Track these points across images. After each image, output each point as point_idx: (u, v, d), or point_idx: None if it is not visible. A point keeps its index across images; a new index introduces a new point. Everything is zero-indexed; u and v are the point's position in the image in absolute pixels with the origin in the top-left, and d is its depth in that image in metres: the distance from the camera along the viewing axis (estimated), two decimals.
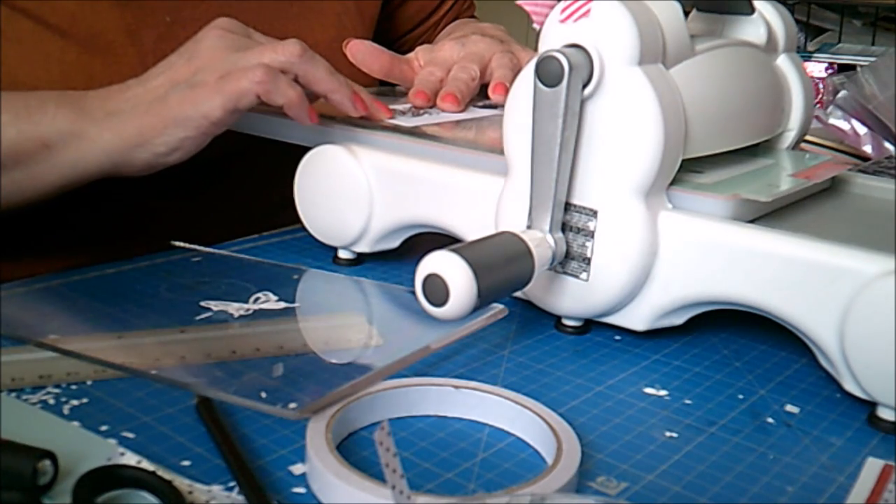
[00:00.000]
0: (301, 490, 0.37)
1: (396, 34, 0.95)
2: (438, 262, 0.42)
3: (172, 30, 0.68)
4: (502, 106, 0.53)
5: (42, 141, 0.56)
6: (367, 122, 0.63)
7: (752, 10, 0.61)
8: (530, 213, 0.50)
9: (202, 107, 0.55)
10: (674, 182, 0.51)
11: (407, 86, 0.73)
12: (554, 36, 0.49)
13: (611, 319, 0.52)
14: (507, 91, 0.55)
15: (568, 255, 0.51)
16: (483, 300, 0.43)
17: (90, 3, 0.65)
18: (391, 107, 0.69)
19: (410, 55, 0.76)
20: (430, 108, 0.70)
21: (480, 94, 0.74)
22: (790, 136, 0.64)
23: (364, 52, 0.71)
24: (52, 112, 0.56)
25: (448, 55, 0.75)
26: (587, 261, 0.50)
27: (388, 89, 0.79)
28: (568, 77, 0.47)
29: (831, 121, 1.10)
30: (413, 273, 0.43)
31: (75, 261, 0.64)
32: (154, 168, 0.58)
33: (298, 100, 0.57)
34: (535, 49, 0.52)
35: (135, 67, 0.62)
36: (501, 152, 0.53)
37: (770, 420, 0.46)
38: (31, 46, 0.64)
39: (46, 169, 0.57)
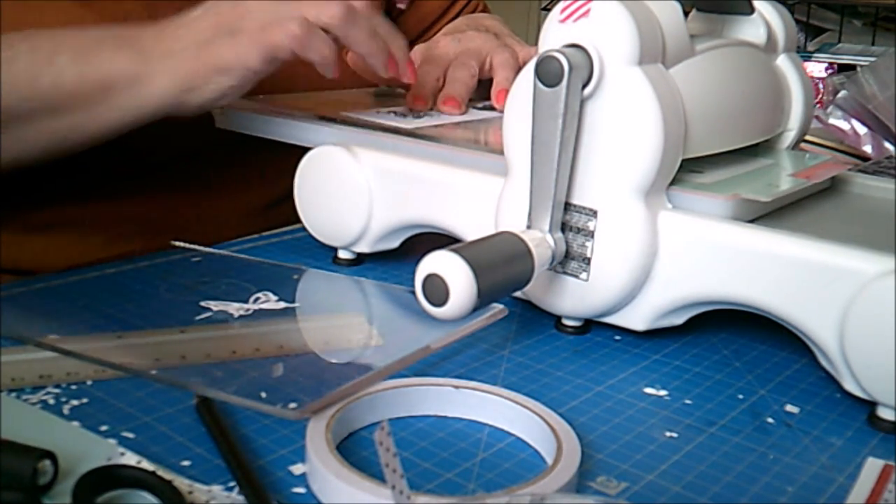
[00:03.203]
0: (301, 490, 0.37)
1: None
2: (438, 262, 0.42)
3: (190, 2, 0.69)
4: (502, 111, 0.53)
5: (102, 83, 0.57)
6: (366, 123, 0.63)
7: (751, 10, 0.61)
8: (530, 213, 0.50)
9: (243, 57, 0.56)
10: (674, 182, 0.51)
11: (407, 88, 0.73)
12: (554, 36, 0.49)
13: (611, 319, 0.52)
14: None
15: (568, 255, 0.51)
16: (483, 300, 0.43)
17: None
18: (391, 108, 0.69)
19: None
20: (430, 110, 0.70)
21: (479, 92, 0.74)
22: (790, 136, 0.64)
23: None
24: (111, 53, 0.57)
25: (444, 52, 0.75)
26: (587, 261, 0.50)
27: (387, 90, 0.79)
28: (568, 77, 0.47)
29: (831, 121, 1.10)
30: (413, 273, 0.43)
31: (78, 259, 0.64)
32: (208, 108, 0.59)
33: (331, 58, 0.57)
34: (535, 43, 0.52)
35: None
36: (501, 152, 0.53)
37: (770, 420, 0.46)
38: (50, 13, 0.64)
39: (107, 110, 0.58)
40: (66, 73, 0.56)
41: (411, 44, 0.93)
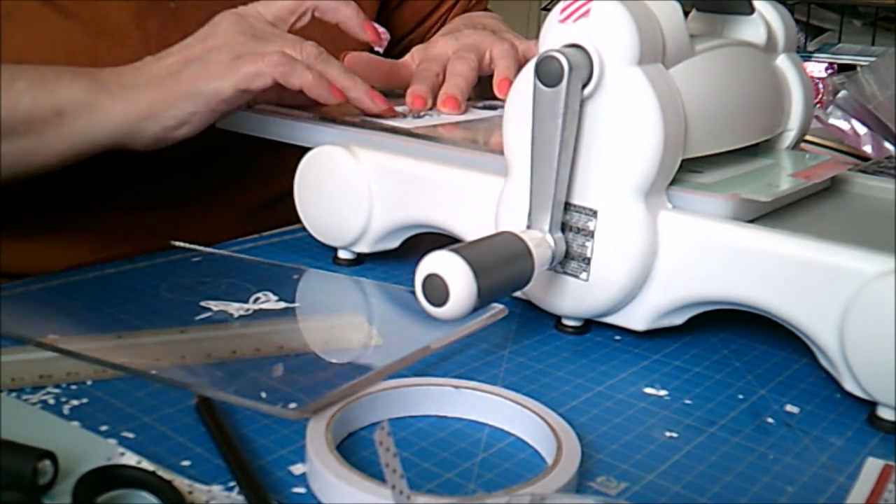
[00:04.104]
0: (301, 490, 0.37)
1: (394, 37, 0.94)
2: (438, 262, 0.42)
3: (177, 16, 0.69)
4: (502, 107, 0.53)
5: (56, 109, 0.57)
6: (367, 123, 0.63)
7: (751, 10, 0.61)
8: (530, 213, 0.50)
9: (214, 83, 0.56)
10: (674, 182, 0.51)
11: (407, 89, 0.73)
12: (554, 36, 0.49)
13: (611, 319, 0.52)
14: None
15: (568, 255, 0.51)
16: (483, 300, 0.43)
17: None
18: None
19: (406, 57, 0.76)
20: (430, 109, 0.70)
21: (479, 89, 0.73)
22: (790, 136, 0.64)
23: (362, 65, 0.71)
24: (68, 82, 0.57)
25: (442, 50, 0.75)
26: (587, 261, 0.50)
27: (387, 90, 0.79)
28: (568, 77, 0.47)
29: (831, 121, 1.10)
30: (413, 273, 0.43)
31: (77, 259, 0.64)
32: (162, 142, 0.59)
33: (317, 80, 0.58)
34: (535, 38, 0.52)
35: (138, 51, 0.62)
36: (501, 152, 0.53)
37: (770, 420, 0.46)
38: (37, 28, 0.64)
39: (58, 137, 0.58)
40: (21, 99, 0.57)
41: (405, 37, 0.93)
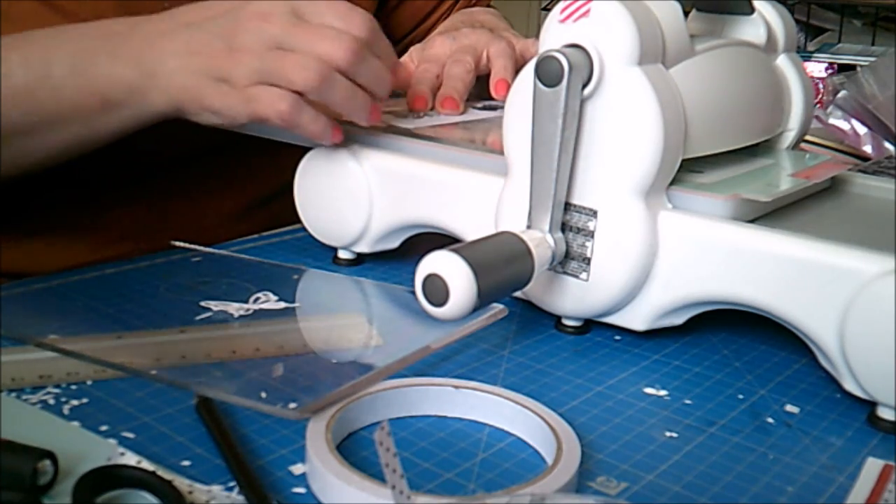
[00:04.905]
0: (301, 490, 0.37)
1: (393, 38, 0.94)
2: (438, 262, 0.42)
3: (163, 5, 0.68)
4: (502, 108, 0.53)
5: (101, 97, 0.56)
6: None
7: (751, 10, 0.61)
8: (530, 213, 0.50)
9: (232, 110, 0.55)
10: (674, 182, 0.51)
11: (406, 89, 0.73)
12: (554, 36, 0.49)
13: (611, 319, 0.52)
14: (508, 87, 0.55)
15: (568, 255, 0.51)
16: (483, 300, 0.43)
17: None
18: (392, 109, 0.69)
19: (405, 57, 0.76)
20: (430, 110, 0.70)
21: (478, 89, 0.73)
22: (790, 136, 0.64)
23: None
24: (108, 67, 0.56)
25: (440, 51, 0.75)
26: (587, 261, 0.50)
27: None
28: (568, 77, 0.47)
29: (831, 121, 1.10)
30: (413, 273, 0.43)
31: (76, 261, 0.64)
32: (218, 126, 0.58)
33: (320, 131, 0.56)
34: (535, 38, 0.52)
35: None
36: (501, 152, 0.53)
37: (770, 420, 0.46)
38: (34, 27, 0.64)
39: (107, 122, 0.58)
40: (65, 88, 0.56)
41: (404, 37, 0.93)
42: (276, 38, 0.54)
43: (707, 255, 0.48)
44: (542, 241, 0.48)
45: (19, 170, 0.60)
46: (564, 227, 0.51)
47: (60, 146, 0.59)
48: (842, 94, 1.11)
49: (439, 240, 0.52)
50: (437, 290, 0.42)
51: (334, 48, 0.54)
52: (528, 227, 0.50)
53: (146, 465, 0.37)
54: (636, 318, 0.51)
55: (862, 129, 1.08)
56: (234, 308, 0.53)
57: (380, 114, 0.59)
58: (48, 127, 0.57)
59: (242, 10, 0.55)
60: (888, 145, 1.07)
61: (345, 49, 0.54)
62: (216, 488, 0.37)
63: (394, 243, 0.61)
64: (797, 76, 0.64)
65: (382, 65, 0.57)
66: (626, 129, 0.48)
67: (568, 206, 0.50)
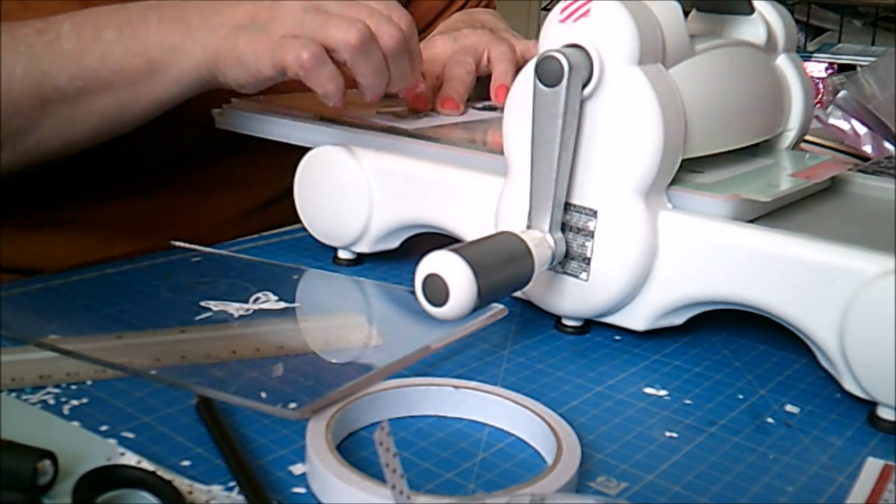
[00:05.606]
0: (301, 490, 0.37)
1: None
2: (438, 262, 0.42)
3: None
4: (502, 109, 0.53)
5: (148, 56, 0.57)
6: (366, 123, 0.63)
7: (751, 10, 0.61)
8: (530, 213, 0.50)
9: (258, 60, 0.56)
10: (674, 182, 0.51)
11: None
12: (554, 36, 0.49)
13: (611, 319, 0.52)
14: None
15: (568, 255, 0.51)
16: (483, 300, 0.43)
17: None
18: (391, 109, 0.69)
19: None
20: (430, 110, 0.70)
21: (478, 90, 0.73)
22: (790, 136, 0.64)
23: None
24: (155, 27, 0.57)
25: (440, 51, 0.75)
26: (587, 261, 0.50)
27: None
28: (568, 77, 0.47)
29: (831, 121, 1.10)
30: (413, 273, 0.43)
31: (78, 258, 0.64)
32: (245, 88, 0.58)
33: (333, 90, 0.57)
34: (535, 38, 0.52)
35: None
36: (501, 152, 0.53)
37: (770, 420, 0.46)
38: (51, 13, 0.64)
39: (151, 86, 0.58)
40: (112, 50, 0.57)
41: None
42: (326, 5, 0.57)
43: (707, 255, 0.48)
44: (542, 241, 0.48)
45: (65, 146, 0.60)
46: (564, 227, 0.51)
47: (104, 116, 0.59)
48: (842, 94, 1.11)
49: (439, 240, 0.52)
50: (437, 290, 0.42)
51: (382, 28, 0.57)
52: (528, 227, 0.50)
53: (146, 465, 0.37)
54: (636, 318, 0.51)
55: (862, 129, 1.08)
56: (234, 308, 0.53)
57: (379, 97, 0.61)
58: (93, 93, 0.58)
59: None
60: (888, 145, 1.07)
61: (390, 34, 0.57)
62: (216, 488, 0.37)
63: (394, 243, 0.61)
64: (797, 76, 0.64)
65: (411, 66, 0.60)
66: (625, 129, 0.48)
67: (568, 206, 0.50)
